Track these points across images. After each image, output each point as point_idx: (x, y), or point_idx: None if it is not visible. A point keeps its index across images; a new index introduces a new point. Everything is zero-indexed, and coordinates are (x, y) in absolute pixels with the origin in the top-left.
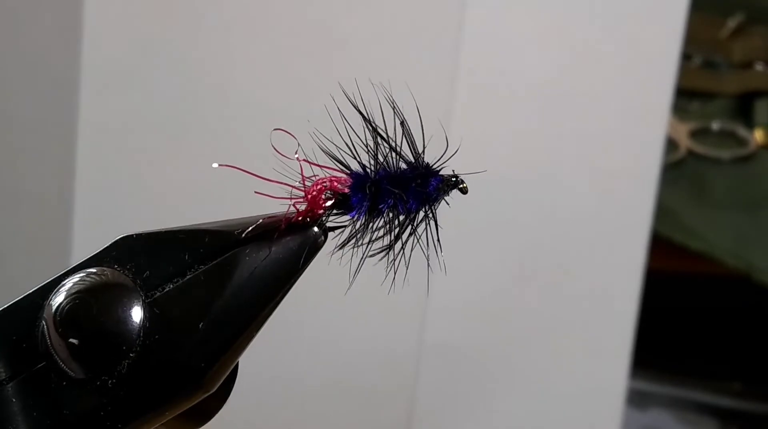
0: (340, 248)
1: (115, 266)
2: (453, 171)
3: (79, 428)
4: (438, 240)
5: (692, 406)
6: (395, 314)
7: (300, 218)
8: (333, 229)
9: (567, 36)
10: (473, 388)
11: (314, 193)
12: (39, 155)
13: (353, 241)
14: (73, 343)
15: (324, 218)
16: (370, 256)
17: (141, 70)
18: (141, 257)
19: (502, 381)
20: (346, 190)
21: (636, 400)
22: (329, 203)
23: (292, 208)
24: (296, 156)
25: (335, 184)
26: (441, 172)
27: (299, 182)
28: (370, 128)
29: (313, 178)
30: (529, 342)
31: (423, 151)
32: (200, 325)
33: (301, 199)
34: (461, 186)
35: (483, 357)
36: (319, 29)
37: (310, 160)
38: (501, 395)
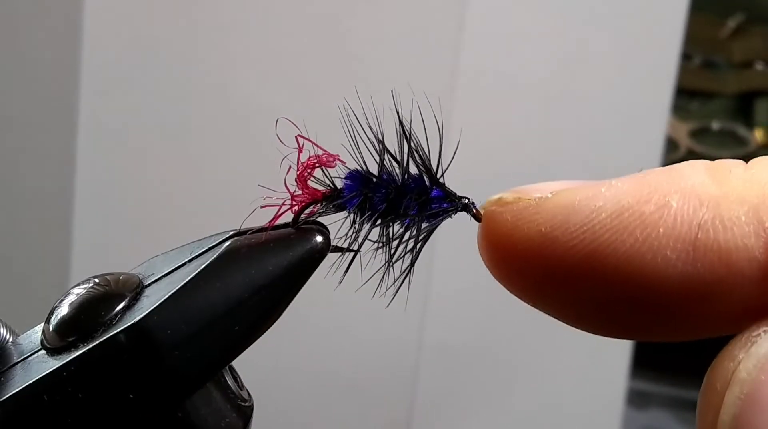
0: (339, 250)
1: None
2: (469, 199)
3: (41, 387)
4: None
5: (692, 406)
6: (395, 313)
7: (296, 209)
8: (339, 249)
9: (567, 36)
10: (473, 388)
11: (305, 170)
12: (39, 155)
13: (352, 237)
14: (57, 316)
15: (323, 208)
16: (375, 263)
17: (141, 70)
18: (161, 264)
19: (501, 381)
20: (336, 164)
21: (636, 400)
22: (321, 189)
23: (293, 204)
24: (296, 142)
25: (324, 160)
26: (444, 185)
27: (296, 176)
28: (377, 140)
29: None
30: (529, 342)
31: (421, 148)
32: (168, 297)
33: (298, 188)
34: (475, 213)
35: (483, 357)
36: (319, 29)
37: (310, 140)
38: (501, 396)
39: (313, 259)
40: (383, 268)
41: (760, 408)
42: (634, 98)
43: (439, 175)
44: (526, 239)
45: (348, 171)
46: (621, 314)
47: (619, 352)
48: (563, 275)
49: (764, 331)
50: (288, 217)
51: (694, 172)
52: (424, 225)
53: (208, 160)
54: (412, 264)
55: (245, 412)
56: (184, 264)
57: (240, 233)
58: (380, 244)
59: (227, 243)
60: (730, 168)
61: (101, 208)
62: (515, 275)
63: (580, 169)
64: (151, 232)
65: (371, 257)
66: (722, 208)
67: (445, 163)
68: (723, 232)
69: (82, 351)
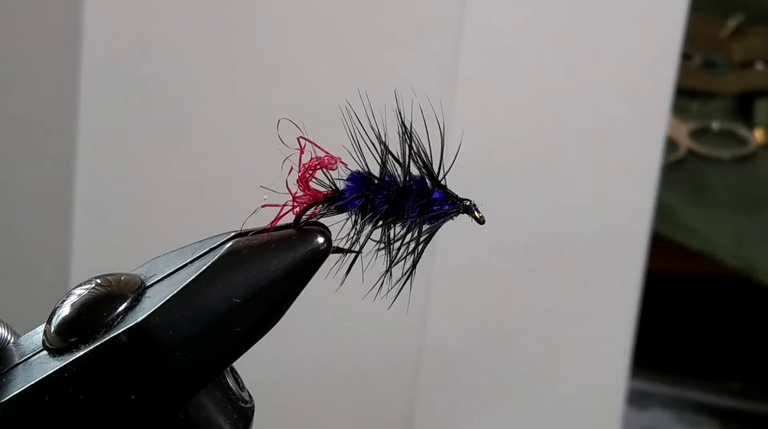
0: (341, 251)
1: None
2: (471, 201)
3: (43, 388)
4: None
5: (692, 406)
6: (396, 314)
7: (298, 210)
8: (340, 250)
9: (567, 36)
10: (473, 388)
11: (307, 171)
12: (39, 155)
13: (354, 238)
14: (58, 316)
15: (324, 209)
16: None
17: (141, 70)
18: (162, 265)
19: (502, 381)
20: (337, 166)
21: (636, 400)
22: (322, 190)
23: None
24: (297, 143)
25: (326, 161)
26: (446, 187)
27: (296, 174)
28: (379, 141)
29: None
30: (528, 342)
31: (422, 150)
32: (172, 303)
33: (299, 190)
34: (477, 215)
35: (483, 357)
36: (319, 29)
37: (312, 142)
38: (501, 395)
39: (315, 260)
40: (385, 270)
41: None
42: (634, 98)
43: (440, 177)
44: None
45: (349, 172)
46: None
47: (619, 352)
48: None
49: None
50: (289, 219)
51: None
52: (425, 227)
53: (209, 160)
54: (413, 266)
55: (246, 413)
56: (186, 265)
57: (241, 234)
58: (382, 246)
59: (229, 244)
60: None
61: (101, 208)
62: None
63: (580, 169)
64: (152, 233)
65: (373, 259)
66: None
67: (446, 164)
68: None
69: (84, 352)
